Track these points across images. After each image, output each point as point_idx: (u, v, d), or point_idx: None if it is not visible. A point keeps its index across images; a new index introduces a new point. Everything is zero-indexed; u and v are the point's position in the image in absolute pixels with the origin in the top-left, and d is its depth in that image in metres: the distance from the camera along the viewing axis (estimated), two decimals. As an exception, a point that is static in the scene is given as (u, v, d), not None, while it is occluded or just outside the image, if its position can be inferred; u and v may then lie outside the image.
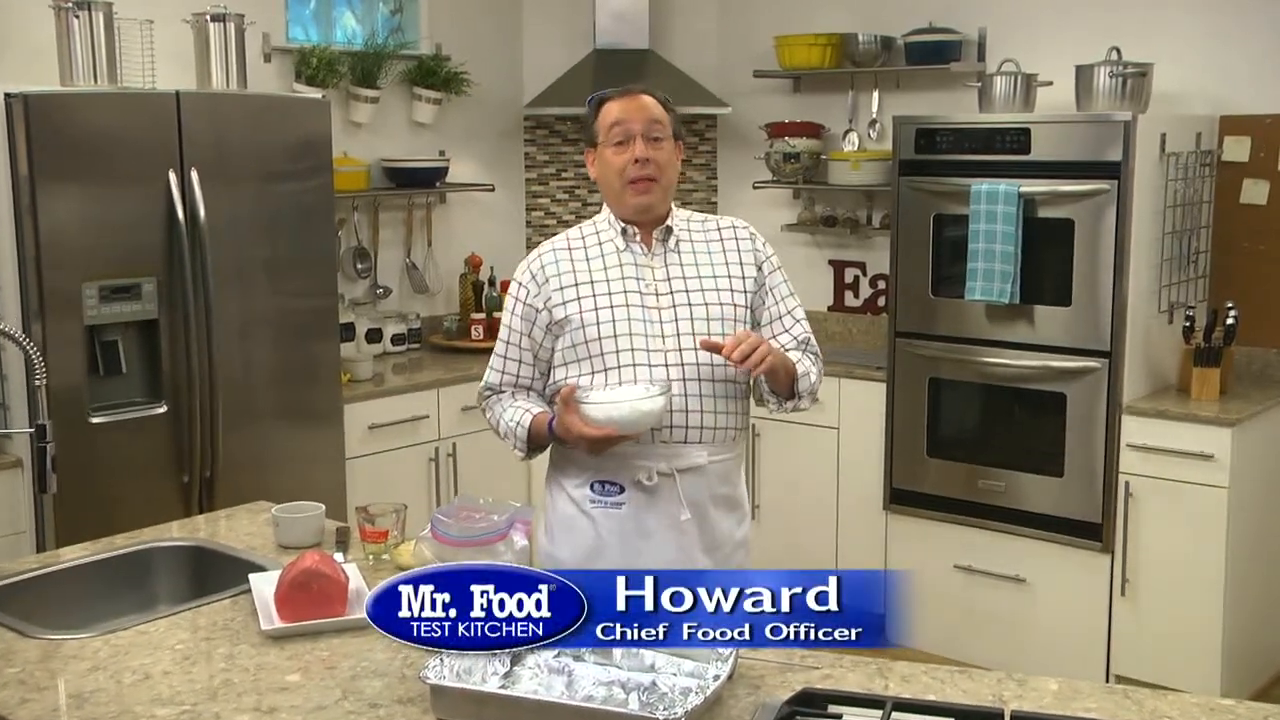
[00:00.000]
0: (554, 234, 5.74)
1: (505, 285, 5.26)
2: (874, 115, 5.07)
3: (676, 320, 2.51)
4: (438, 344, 5.11)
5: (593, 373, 2.49)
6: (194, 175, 3.64)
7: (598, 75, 5.22)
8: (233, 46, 3.95)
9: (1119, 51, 4.17)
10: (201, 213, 3.64)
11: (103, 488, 3.52)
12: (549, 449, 2.58)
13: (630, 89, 2.58)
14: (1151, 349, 4.16)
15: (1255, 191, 4.30)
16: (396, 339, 5.01)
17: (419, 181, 5.04)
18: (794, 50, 5.03)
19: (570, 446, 2.46)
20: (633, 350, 2.48)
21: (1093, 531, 4.10)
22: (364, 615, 2.08)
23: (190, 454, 3.70)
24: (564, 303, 2.52)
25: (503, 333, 2.63)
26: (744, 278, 2.58)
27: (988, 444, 4.36)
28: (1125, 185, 3.95)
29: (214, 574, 2.45)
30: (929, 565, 4.42)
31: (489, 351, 5.04)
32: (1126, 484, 4.01)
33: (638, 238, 2.57)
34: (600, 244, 2.59)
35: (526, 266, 2.61)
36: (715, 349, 2.38)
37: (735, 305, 2.55)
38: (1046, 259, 4.13)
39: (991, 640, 4.33)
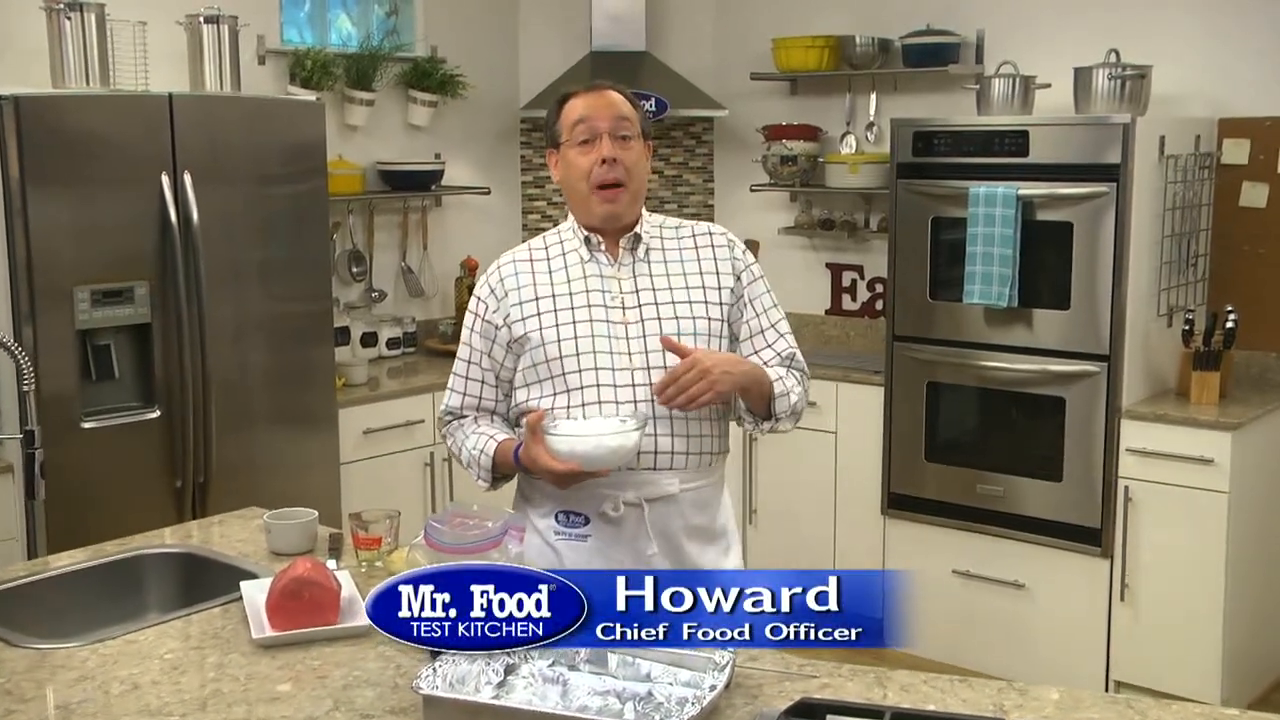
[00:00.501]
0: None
1: (501, 289, 5.23)
2: (871, 118, 5.05)
3: (645, 336, 2.32)
4: (433, 348, 5.08)
5: (554, 394, 2.32)
6: (187, 178, 3.61)
7: (594, 77, 5.13)
8: (226, 49, 3.93)
9: (1117, 53, 4.14)
10: (194, 216, 3.61)
11: (95, 493, 3.49)
12: (516, 477, 2.43)
13: (596, 84, 2.38)
14: (1150, 353, 4.14)
15: (1254, 194, 4.28)
16: (392, 343, 4.98)
17: (414, 184, 5.01)
18: (791, 52, 5.01)
19: (536, 478, 2.30)
20: (596, 370, 2.30)
21: (1092, 536, 4.07)
22: (356, 624, 2.08)
23: (183, 459, 3.67)
24: (523, 319, 2.35)
25: (462, 351, 2.45)
26: (720, 289, 2.38)
27: (986, 448, 4.34)
28: (1124, 188, 3.93)
29: (205, 581, 2.42)
30: (927, 570, 4.40)
31: (484, 355, 5.06)
32: (1126, 488, 3.99)
33: (603, 246, 2.38)
34: (564, 254, 2.40)
35: (485, 280, 2.43)
36: (679, 351, 2.22)
37: (710, 319, 2.36)
38: (1045, 262, 4.11)
39: (990, 646, 4.31)
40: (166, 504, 3.64)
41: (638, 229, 2.39)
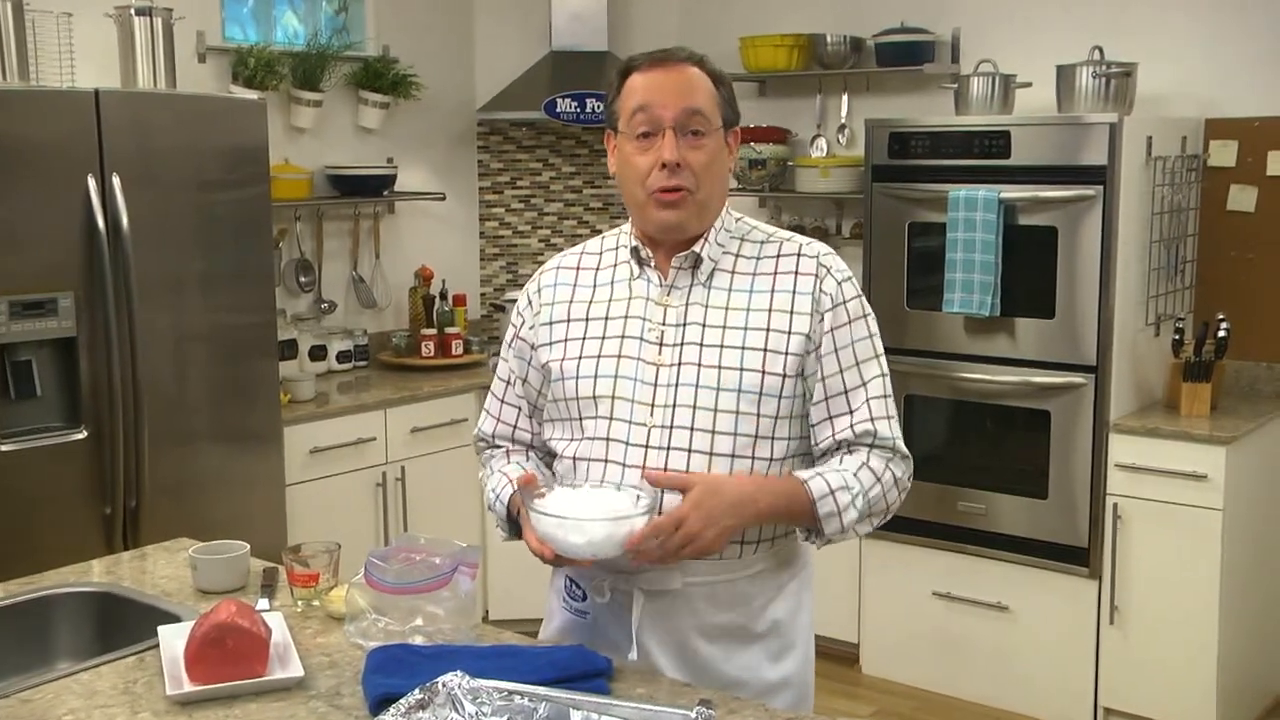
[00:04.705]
0: (508, 247, 5.43)
1: (458, 299, 5.00)
2: (843, 120, 4.85)
3: (677, 384, 1.86)
4: (386, 361, 4.84)
5: (571, 439, 1.94)
6: (116, 181, 3.35)
7: (555, 78, 4.98)
8: (160, 43, 3.67)
9: (1101, 51, 3.97)
10: (124, 221, 3.35)
11: (15, 522, 3.22)
12: None
13: (668, 56, 1.87)
14: (1138, 363, 3.96)
15: (1242, 198, 4.11)
16: (342, 356, 4.73)
17: (365, 190, 4.77)
18: (759, 52, 4.82)
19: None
20: (612, 419, 1.88)
21: (1079, 556, 3.89)
22: (287, 675, 1.84)
23: (112, 483, 3.40)
24: (550, 343, 1.96)
25: (500, 369, 2.08)
26: (790, 333, 1.86)
27: (967, 464, 4.14)
28: (1111, 191, 3.75)
29: (122, 625, 2.17)
30: (906, 592, 4.20)
31: (440, 369, 4.87)
32: (1114, 506, 3.80)
33: (653, 262, 1.93)
34: (615, 265, 1.97)
35: (525, 290, 2.06)
36: (675, 486, 1.77)
37: (765, 372, 1.85)
38: (1028, 269, 3.92)
39: (973, 671, 4.11)
40: (94, 531, 3.38)
41: (698, 246, 1.90)
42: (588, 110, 4.86)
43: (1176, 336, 3.92)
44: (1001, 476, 4.06)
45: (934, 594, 4.17)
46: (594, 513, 1.76)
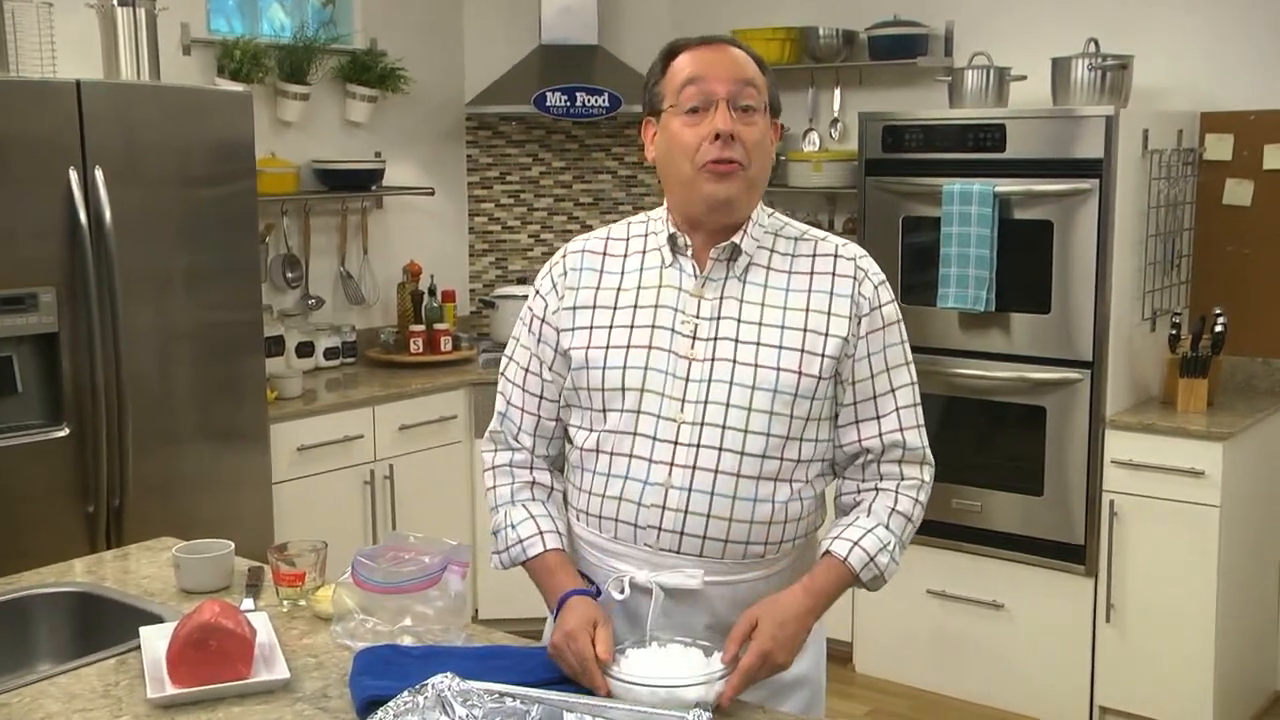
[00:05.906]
0: (498, 242, 5.38)
1: (447, 295, 4.95)
2: (836, 113, 4.81)
3: (710, 380, 1.81)
4: (374, 358, 4.78)
5: (590, 429, 1.88)
6: (98, 174, 3.29)
7: (544, 72, 4.93)
8: (144, 34, 3.61)
9: (1097, 43, 3.94)
10: (107, 215, 3.29)
11: (-5, 520, 3.17)
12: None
13: (715, 39, 1.87)
14: (1134, 359, 3.92)
15: (1238, 192, 4.08)
16: (329, 353, 4.67)
17: (353, 184, 4.71)
18: (751, 44, 4.71)
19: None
20: (639, 413, 1.82)
21: (1075, 554, 3.85)
22: (272, 677, 1.80)
23: (95, 481, 3.34)
24: (573, 329, 1.89)
25: (520, 356, 1.97)
26: (826, 335, 1.81)
27: (962, 461, 4.09)
28: (1107, 184, 3.71)
29: (103, 626, 2.12)
30: (901, 590, 4.15)
31: (429, 366, 4.82)
32: (1111, 503, 3.76)
33: (690, 251, 1.86)
34: (644, 251, 1.90)
35: (547, 271, 1.96)
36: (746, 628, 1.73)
37: (802, 374, 1.80)
38: (1023, 263, 3.88)
39: (968, 670, 4.08)
40: (77, 531, 3.31)
41: (737, 237, 1.84)
42: (578, 104, 4.81)
43: (1173, 331, 3.89)
44: (997, 473, 4.02)
45: (929, 592, 4.14)
46: (680, 674, 1.68)
